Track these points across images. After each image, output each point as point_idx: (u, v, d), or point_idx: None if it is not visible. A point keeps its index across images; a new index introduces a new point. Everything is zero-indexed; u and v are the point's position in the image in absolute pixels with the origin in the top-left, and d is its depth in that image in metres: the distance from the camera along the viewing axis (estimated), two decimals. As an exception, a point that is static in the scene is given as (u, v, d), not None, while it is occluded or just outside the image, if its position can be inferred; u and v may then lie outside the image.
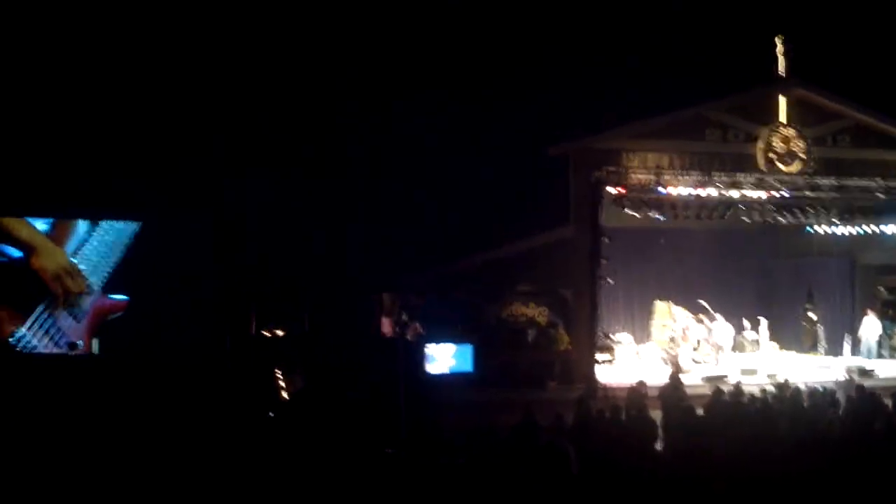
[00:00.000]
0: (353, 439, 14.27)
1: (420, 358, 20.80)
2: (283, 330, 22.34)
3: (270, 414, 17.39)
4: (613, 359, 26.79)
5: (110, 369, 18.55)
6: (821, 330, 30.27)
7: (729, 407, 17.21)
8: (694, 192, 25.75)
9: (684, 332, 28.30)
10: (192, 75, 24.14)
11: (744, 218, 26.44)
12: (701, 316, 28.74)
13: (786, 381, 20.05)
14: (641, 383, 19.15)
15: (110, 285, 22.23)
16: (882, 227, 27.94)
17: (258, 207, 22.72)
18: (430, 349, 21.23)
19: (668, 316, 29.56)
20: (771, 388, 19.20)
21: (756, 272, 33.03)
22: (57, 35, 22.71)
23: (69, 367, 19.09)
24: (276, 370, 19.42)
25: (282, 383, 19.18)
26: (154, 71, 23.63)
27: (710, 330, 28.52)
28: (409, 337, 23.40)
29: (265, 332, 21.99)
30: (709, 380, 23.62)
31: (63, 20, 22.87)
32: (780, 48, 27.24)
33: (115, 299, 22.27)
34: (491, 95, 30.77)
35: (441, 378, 20.87)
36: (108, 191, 21.56)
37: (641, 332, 30.59)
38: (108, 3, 23.65)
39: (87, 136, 21.94)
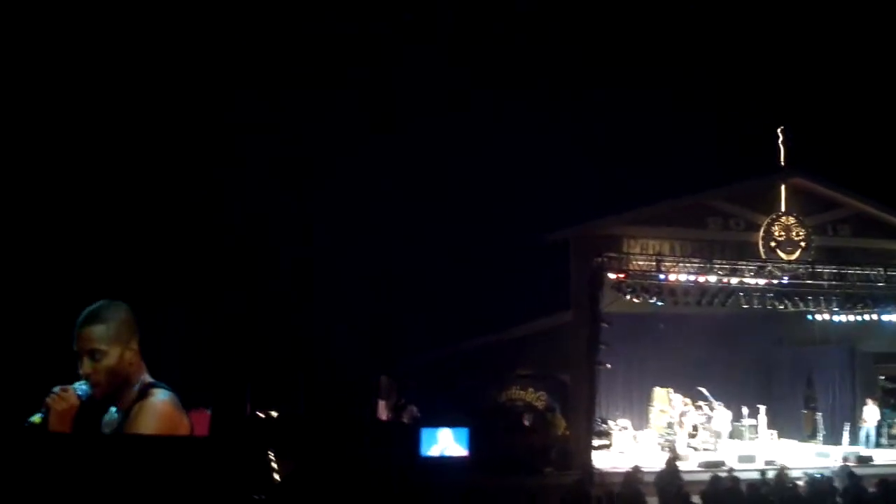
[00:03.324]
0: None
1: (415, 441, 20.71)
2: (277, 411, 22.24)
3: (259, 497, 17.20)
4: (611, 444, 26.66)
5: (100, 449, 18.42)
6: (820, 417, 30.15)
7: (726, 494, 17.10)
8: (694, 278, 25.77)
9: (681, 419, 28.18)
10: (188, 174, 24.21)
11: (744, 305, 26.39)
12: (700, 402, 28.63)
13: (783, 468, 19.92)
14: (637, 468, 19.08)
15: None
16: (882, 315, 27.88)
17: (254, 286, 22.70)
18: (426, 433, 21.14)
19: (666, 402, 29.48)
20: (769, 476, 19.06)
21: (756, 359, 32.99)
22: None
23: (67, 447, 18.96)
24: (269, 452, 19.30)
25: (274, 465, 19.05)
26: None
27: (708, 417, 28.40)
28: (405, 420, 23.33)
29: (260, 413, 21.89)
30: (706, 466, 23.42)
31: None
32: (781, 138, 27.52)
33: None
34: (492, 180, 31.00)
35: (436, 462, 20.74)
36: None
37: (640, 418, 30.44)
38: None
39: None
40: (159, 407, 18.82)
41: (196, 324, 19.82)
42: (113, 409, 18.64)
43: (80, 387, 18.51)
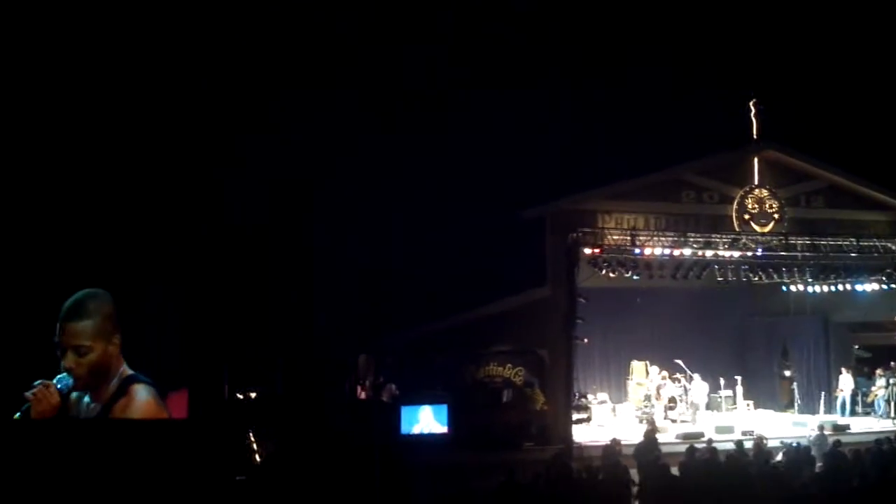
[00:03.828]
0: (328, 503, 14.20)
1: (395, 420, 20.72)
2: (256, 392, 22.22)
3: (240, 477, 17.21)
4: (590, 418, 26.78)
5: (80, 434, 18.37)
6: (796, 387, 30.38)
7: (704, 465, 17.21)
8: (669, 252, 25.87)
9: (658, 391, 28.35)
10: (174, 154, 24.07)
11: (719, 278, 26.53)
12: (677, 375, 28.80)
13: (761, 438, 20.08)
14: (616, 441, 19.21)
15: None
16: (855, 285, 28.10)
17: (232, 267, 22.61)
18: (407, 411, 21.15)
19: (643, 375, 29.69)
20: (746, 446, 19.19)
21: (732, 331, 33.19)
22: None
23: (45, 431, 18.89)
24: (249, 433, 19.30)
25: (255, 446, 19.05)
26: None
27: (686, 389, 28.56)
28: (384, 398, 23.32)
29: (238, 395, 21.86)
30: (684, 438, 23.59)
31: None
32: (753, 111, 27.60)
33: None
34: (467, 157, 30.95)
35: (416, 439, 20.76)
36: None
37: (618, 392, 30.65)
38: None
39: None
40: (144, 407, 18.92)
41: (173, 305, 19.76)
42: (86, 398, 18.70)
43: (62, 380, 18.54)
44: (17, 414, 18.25)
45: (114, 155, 21.85)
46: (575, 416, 24.99)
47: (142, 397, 18.93)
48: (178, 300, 19.84)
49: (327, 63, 29.55)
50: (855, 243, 27.03)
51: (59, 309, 18.62)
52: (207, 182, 23.35)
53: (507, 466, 16.38)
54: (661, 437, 21.53)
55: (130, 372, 19.05)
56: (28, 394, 18.33)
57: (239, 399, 21.79)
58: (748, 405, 30.33)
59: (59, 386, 18.49)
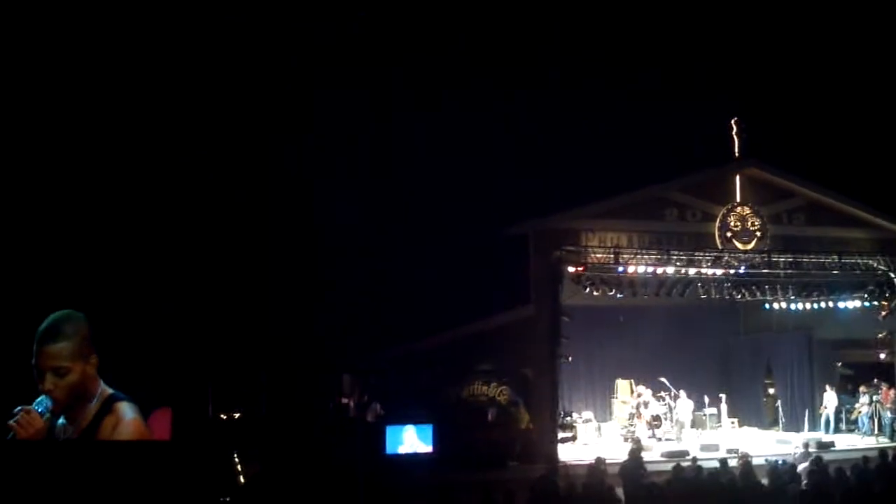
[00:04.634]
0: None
1: (380, 439, 20.69)
2: (240, 412, 22.15)
3: (225, 499, 17.14)
4: (575, 436, 26.73)
5: (62, 454, 18.29)
6: (780, 405, 30.41)
7: (689, 483, 17.20)
8: (652, 270, 25.91)
9: (639, 409, 28.34)
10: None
11: (702, 295, 26.58)
12: (662, 393, 28.80)
13: (746, 456, 20.06)
14: (600, 460, 19.15)
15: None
16: (838, 302, 28.18)
17: (215, 286, 22.55)
18: (392, 431, 21.13)
19: (629, 393, 29.66)
20: (731, 464, 19.18)
21: (716, 349, 33.26)
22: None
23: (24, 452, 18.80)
24: (234, 454, 19.22)
25: (239, 467, 18.97)
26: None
27: (670, 407, 28.57)
28: (368, 418, 23.26)
29: (222, 415, 21.79)
30: (669, 456, 23.57)
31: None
32: (734, 130, 27.72)
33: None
34: (451, 175, 30.96)
35: (401, 459, 20.73)
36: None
37: (603, 410, 30.65)
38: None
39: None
40: (133, 425, 18.94)
41: (155, 326, 19.70)
42: (61, 421, 18.68)
43: (41, 402, 18.50)
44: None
45: (99, 169, 21.86)
46: (560, 435, 24.92)
47: (129, 416, 18.98)
48: (159, 322, 19.80)
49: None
50: (837, 260, 27.09)
51: (35, 333, 18.65)
52: (191, 198, 23.36)
53: (493, 486, 16.32)
54: (646, 456, 21.51)
55: (111, 391, 19.05)
56: (11, 422, 18.31)
57: (223, 419, 21.73)
58: (733, 423, 30.35)
59: (39, 410, 18.48)
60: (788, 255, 27.05)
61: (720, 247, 27.09)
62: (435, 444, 21.40)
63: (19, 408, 18.41)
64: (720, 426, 29.84)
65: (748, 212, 27.56)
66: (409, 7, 32.37)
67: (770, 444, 26.74)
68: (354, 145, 29.62)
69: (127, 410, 19.04)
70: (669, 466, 18.93)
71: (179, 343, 19.87)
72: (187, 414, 19.45)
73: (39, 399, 18.54)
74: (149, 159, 23.60)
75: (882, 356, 28.82)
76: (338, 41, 30.18)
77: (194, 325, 20.35)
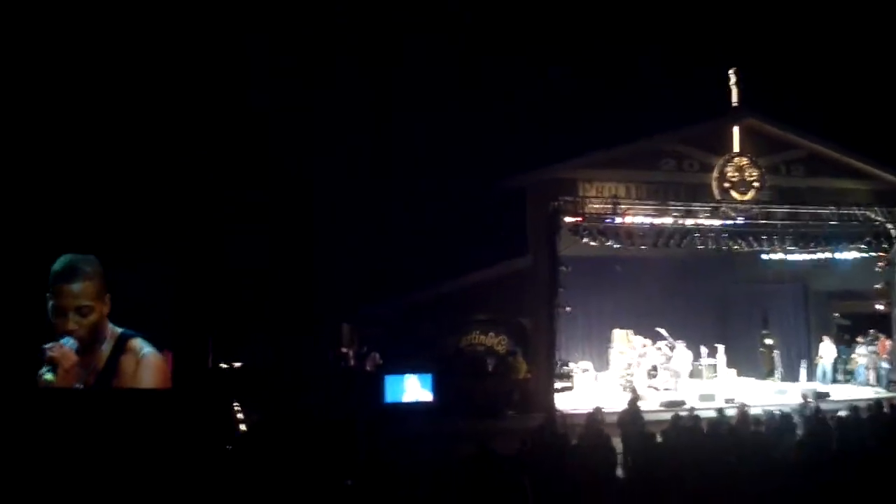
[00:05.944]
0: (312, 472, 14.20)
1: (379, 388, 20.77)
2: (240, 362, 22.23)
3: (228, 447, 17.24)
4: (572, 386, 26.86)
5: (64, 403, 18.39)
6: (777, 355, 30.53)
7: (687, 433, 17.27)
8: (650, 220, 25.92)
9: (639, 359, 28.45)
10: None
11: (699, 246, 26.60)
12: (659, 343, 28.90)
13: (743, 406, 20.15)
14: (598, 409, 19.18)
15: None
16: (835, 253, 28.22)
17: (217, 240, 22.59)
18: (393, 380, 21.21)
19: (626, 343, 29.75)
20: (728, 414, 19.27)
21: (712, 299, 33.36)
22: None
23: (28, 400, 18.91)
24: (234, 402, 19.31)
25: (239, 416, 19.06)
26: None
27: (668, 357, 28.67)
28: (367, 368, 23.36)
29: (222, 364, 21.87)
30: (667, 406, 23.69)
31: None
32: (733, 80, 27.55)
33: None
34: (447, 128, 30.90)
35: (400, 408, 20.82)
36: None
37: (600, 360, 30.78)
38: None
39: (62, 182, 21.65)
40: (152, 361, 19.10)
41: (157, 276, 19.77)
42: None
43: (67, 342, 18.66)
44: (48, 373, 18.40)
45: (99, 126, 21.85)
46: (557, 385, 25.05)
47: (146, 350, 19.24)
48: (161, 272, 19.87)
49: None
50: (835, 211, 27.13)
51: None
52: (201, 165, 23.37)
53: (490, 434, 16.40)
54: (643, 406, 21.59)
55: (120, 329, 19.22)
56: (49, 352, 18.49)
57: (223, 369, 21.81)
58: (730, 373, 30.47)
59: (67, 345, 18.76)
60: (786, 206, 27.06)
61: (718, 197, 27.01)
62: (434, 393, 21.49)
63: (50, 343, 18.62)
64: (717, 376, 29.94)
65: (746, 162, 27.43)
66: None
67: (768, 395, 26.88)
68: (354, 96, 29.50)
69: (142, 346, 19.28)
70: (667, 416, 18.98)
71: (181, 296, 19.95)
72: (188, 363, 19.55)
73: (63, 339, 18.74)
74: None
75: (879, 307, 28.89)
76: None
77: (195, 278, 20.40)
